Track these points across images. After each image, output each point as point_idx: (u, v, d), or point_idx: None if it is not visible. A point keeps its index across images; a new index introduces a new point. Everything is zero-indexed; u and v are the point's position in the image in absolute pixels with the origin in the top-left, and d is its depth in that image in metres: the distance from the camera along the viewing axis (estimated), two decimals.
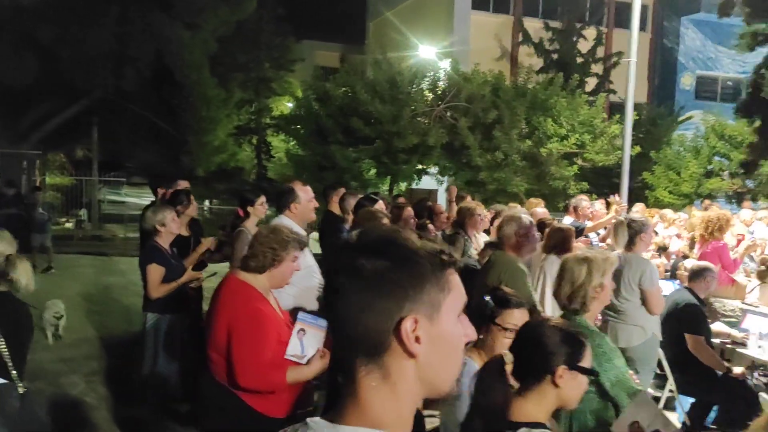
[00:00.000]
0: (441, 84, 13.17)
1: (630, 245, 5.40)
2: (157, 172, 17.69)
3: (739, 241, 8.65)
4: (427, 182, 14.77)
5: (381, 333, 1.06)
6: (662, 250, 9.84)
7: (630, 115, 8.91)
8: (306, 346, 3.15)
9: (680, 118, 21.86)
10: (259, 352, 3.05)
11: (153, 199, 7.24)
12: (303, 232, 4.47)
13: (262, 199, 6.10)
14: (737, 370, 5.51)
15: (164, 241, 5.03)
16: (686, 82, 26.56)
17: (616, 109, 15.79)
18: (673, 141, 18.20)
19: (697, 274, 5.90)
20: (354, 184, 13.26)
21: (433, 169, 13.41)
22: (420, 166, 12.72)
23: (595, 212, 9.20)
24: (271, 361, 3.08)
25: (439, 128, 12.08)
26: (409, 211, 6.31)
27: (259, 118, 23.06)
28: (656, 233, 9.98)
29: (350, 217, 5.61)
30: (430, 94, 13.18)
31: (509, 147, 12.06)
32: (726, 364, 5.59)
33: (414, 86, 12.91)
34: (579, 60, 21.16)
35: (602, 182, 15.52)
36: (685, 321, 5.48)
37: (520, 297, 3.06)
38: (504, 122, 12.12)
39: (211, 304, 3.31)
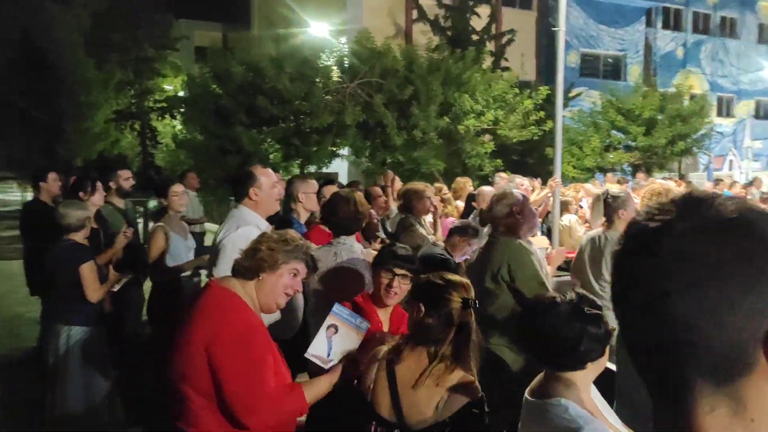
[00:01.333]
0: (348, 60, 12.38)
1: (609, 222, 5.02)
2: (29, 164, 15.90)
3: None
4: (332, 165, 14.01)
5: (743, 347, 0.73)
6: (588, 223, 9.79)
7: (561, 88, 8.66)
8: (334, 348, 2.61)
9: (570, 95, 22.41)
10: (261, 377, 2.33)
11: (19, 194, 6.09)
12: (268, 226, 3.69)
13: (176, 188, 5.30)
14: None
15: (81, 238, 4.16)
16: (571, 59, 27.34)
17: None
18: (573, 116, 18.51)
19: None
20: None
21: (344, 151, 12.65)
22: (332, 148, 11.93)
23: (527, 190, 8.93)
24: (278, 386, 2.39)
25: (354, 106, 11.35)
26: (361, 195, 5.62)
27: (142, 102, 21.38)
28: (581, 207, 9.96)
29: (300, 205, 4.82)
30: (337, 71, 12.39)
31: (427, 124, 11.55)
32: None
33: (321, 62, 12.09)
34: (474, 38, 21.05)
35: (508, 159, 15.46)
36: None
37: None
38: (420, 99, 11.58)
39: (181, 322, 2.51)
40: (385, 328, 3.32)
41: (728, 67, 33.03)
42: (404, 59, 11.89)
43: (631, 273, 0.79)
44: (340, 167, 15.02)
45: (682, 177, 16.60)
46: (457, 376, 2.39)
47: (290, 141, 11.60)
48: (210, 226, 10.33)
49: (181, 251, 5.19)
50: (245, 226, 3.48)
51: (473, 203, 8.18)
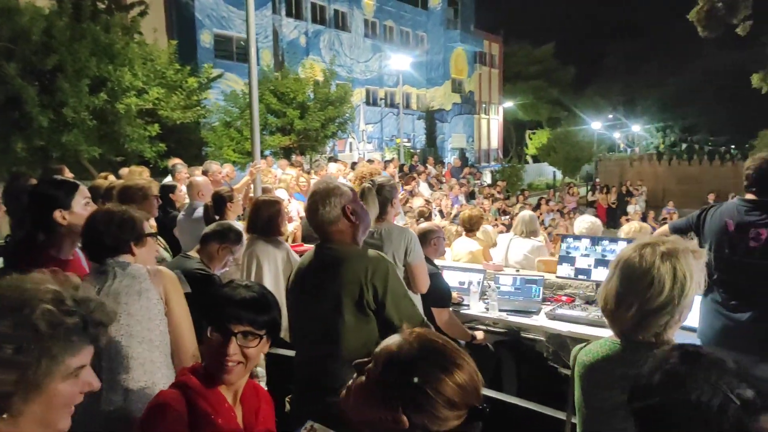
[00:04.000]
0: None
1: (382, 215, 4.36)
2: None
3: None
4: None
5: None
6: None
7: (254, 68, 7.81)
8: None
9: (211, 76, 21.43)
10: None
11: None
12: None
13: None
14: (479, 335, 5.09)
15: None
16: (206, 39, 26.29)
17: None
18: (227, 98, 17.53)
19: (422, 239, 5.22)
20: None
21: None
22: None
23: (225, 177, 7.91)
24: None
25: None
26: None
27: None
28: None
29: None
30: None
31: (78, 102, 9.39)
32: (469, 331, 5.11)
33: None
34: (101, 6, 18.48)
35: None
36: (431, 294, 4.72)
37: None
38: (67, 70, 9.34)
39: None
40: (240, 421, 2.05)
41: (343, 57, 35.80)
42: (41, 21, 9.40)
43: None
44: None
45: (332, 159, 17.15)
46: None
47: None
48: None
49: None
50: None
51: (171, 196, 6.83)
